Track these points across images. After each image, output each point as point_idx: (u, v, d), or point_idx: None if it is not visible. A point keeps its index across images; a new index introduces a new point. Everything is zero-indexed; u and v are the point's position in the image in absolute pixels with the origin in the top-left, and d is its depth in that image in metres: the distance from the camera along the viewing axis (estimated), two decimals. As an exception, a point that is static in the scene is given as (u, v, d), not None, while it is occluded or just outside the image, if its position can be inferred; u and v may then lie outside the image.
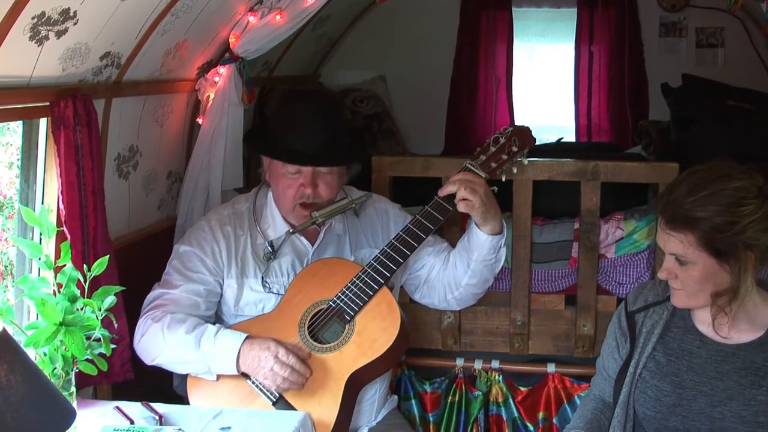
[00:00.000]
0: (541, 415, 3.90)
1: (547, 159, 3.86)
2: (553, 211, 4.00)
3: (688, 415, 2.63)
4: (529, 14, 6.62)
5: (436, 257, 3.46)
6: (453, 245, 3.48)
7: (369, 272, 3.13)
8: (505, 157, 3.31)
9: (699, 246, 2.49)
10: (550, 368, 3.88)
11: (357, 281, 3.12)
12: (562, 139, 5.70)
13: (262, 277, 3.26)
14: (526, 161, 3.39)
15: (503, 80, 6.57)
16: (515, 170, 3.40)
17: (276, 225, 3.33)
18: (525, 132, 3.39)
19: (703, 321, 2.69)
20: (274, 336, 3.06)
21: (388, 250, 3.17)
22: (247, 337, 3.03)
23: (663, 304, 2.78)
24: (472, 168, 3.24)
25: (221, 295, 3.29)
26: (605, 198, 3.76)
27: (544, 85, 6.82)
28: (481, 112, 6.62)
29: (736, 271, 2.49)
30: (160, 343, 3.07)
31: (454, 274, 3.40)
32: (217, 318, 3.32)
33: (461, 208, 3.20)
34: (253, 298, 3.26)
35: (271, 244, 3.29)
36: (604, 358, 2.94)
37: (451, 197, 3.22)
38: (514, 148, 3.33)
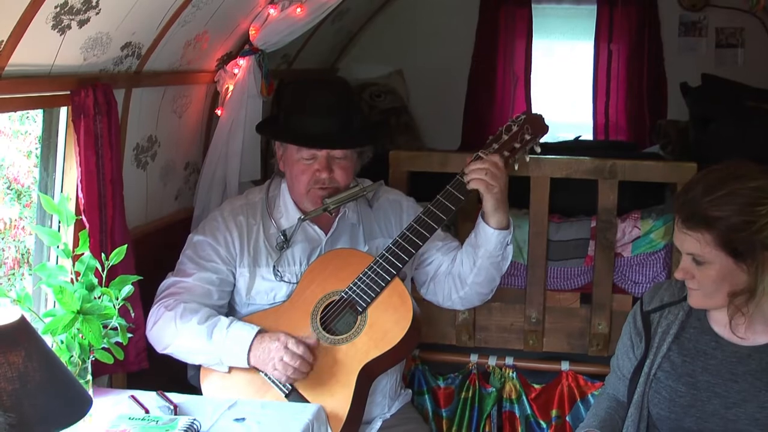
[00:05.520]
0: (554, 412, 3.90)
1: (565, 157, 3.86)
2: (570, 208, 4.00)
3: (703, 416, 2.62)
4: (549, 11, 6.60)
5: (445, 255, 3.44)
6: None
7: (381, 263, 3.13)
8: (517, 145, 3.25)
9: (716, 245, 2.49)
10: (564, 366, 3.88)
11: (369, 272, 3.13)
12: (579, 137, 5.68)
13: (274, 266, 3.27)
14: (538, 149, 3.35)
15: (521, 77, 6.56)
16: (528, 159, 3.34)
17: (289, 214, 3.34)
18: (538, 119, 3.33)
19: (719, 322, 2.68)
20: (286, 327, 3.08)
21: (400, 240, 3.17)
22: (259, 331, 3.05)
23: (679, 304, 2.77)
24: (483, 156, 3.20)
25: (234, 284, 3.30)
26: (622, 197, 3.76)
27: (563, 82, 6.80)
28: (499, 108, 6.60)
29: (753, 271, 2.48)
30: (172, 332, 3.09)
31: (460, 271, 3.37)
32: (229, 307, 3.34)
33: (478, 185, 3.16)
34: (264, 286, 3.27)
35: (283, 233, 3.30)
36: (618, 357, 2.94)
37: (463, 187, 3.21)
38: (527, 136, 3.27)
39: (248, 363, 3.04)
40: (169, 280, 3.25)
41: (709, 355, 2.67)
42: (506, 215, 3.25)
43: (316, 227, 3.35)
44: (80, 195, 3.03)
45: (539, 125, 3.33)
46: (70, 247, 2.82)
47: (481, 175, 3.14)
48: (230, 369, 3.11)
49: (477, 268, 3.31)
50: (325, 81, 3.44)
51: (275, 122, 3.45)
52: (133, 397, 2.91)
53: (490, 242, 3.25)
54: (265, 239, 3.32)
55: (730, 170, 2.54)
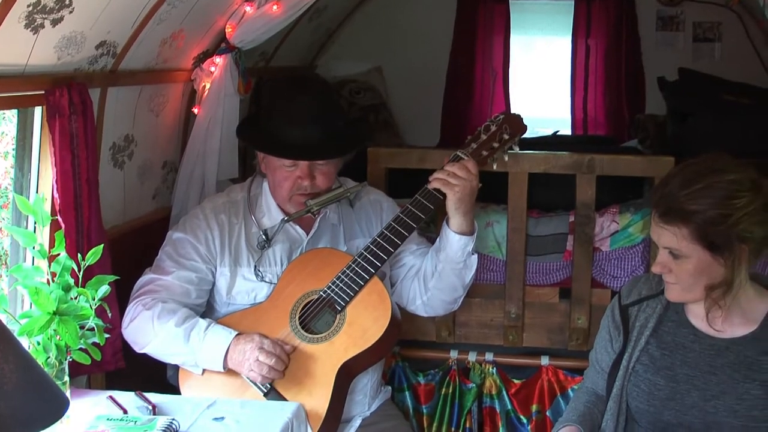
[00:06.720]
0: (534, 407, 3.91)
1: (543, 152, 3.87)
2: (548, 203, 4.00)
3: (682, 408, 2.63)
4: (527, 6, 6.62)
5: (417, 258, 3.43)
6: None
7: (360, 262, 3.12)
8: (496, 145, 3.27)
9: (693, 239, 2.50)
10: (544, 361, 3.89)
11: (348, 271, 3.12)
12: (558, 132, 5.70)
13: (255, 266, 3.26)
14: (517, 149, 3.36)
15: (500, 73, 6.57)
16: (507, 158, 3.36)
17: (271, 214, 3.33)
18: (516, 119, 3.35)
19: (696, 315, 2.69)
20: (265, 327, 3.07)
21: (379, 239, 3.16)
22: (236, 335, 3.04)
23: (657, 298, 2.78)
24: (462, 156, 3.21)
25: (213, 283, 3.29)
26: (601, 191, 3.77)
27: (541, 78, 6.83)
28: (478, 104, 6.62)
29: (730, 264, 2.50)
30: (149, 332, 3.08)
31: (424, 274, 3.36)
32: (208, 306, 3.33)
33: (438, 185, 3.16)
34: (245, 286, 3.26)
35: (265, 232, 3.29)
36: (597, 351, 2.94)
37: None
38: (505, 136, 3.28)
39: (224, 368, 3.04)
40: (147, 276, 3.23)
41: (688, 348, 2.68)
42: (470, 221, 3.23)
43: (297, 227, 3.34)
44: (56, 195, 3.00)
45: (518, 125, 3.34)
46: (46, 247, 2.80)
47: (442, 175, 3.16)
48: (204, 370, 3.10)
49: (438, 272, 3.30)
50: (305, 84, 3.40)
51: (256, 127, 3.39)
52: (111, 397, 2.89)
53: (451, 247, 3.23)
54: (247, 239, 3.30)
55: (707, 164, 2.55)
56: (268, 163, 3.28)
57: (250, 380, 3.04)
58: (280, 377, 3.01)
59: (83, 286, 2.74)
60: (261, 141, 3.29)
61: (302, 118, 3.20)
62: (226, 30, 3.99)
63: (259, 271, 3.25)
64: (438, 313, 3.54)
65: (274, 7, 3.92)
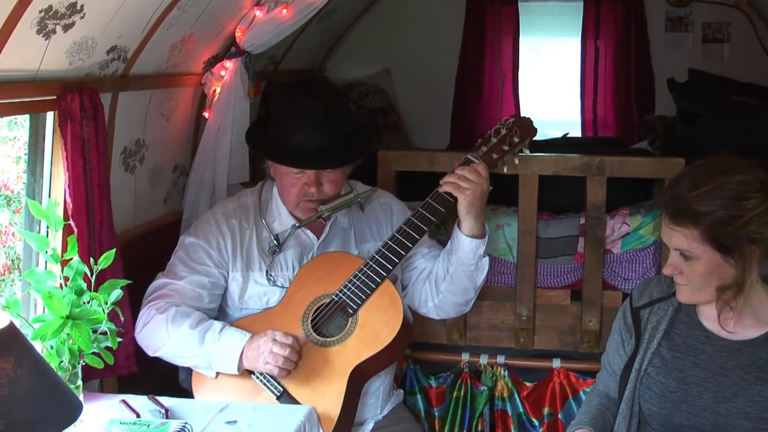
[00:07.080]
0: (546, 410, 3.89)
1: (553, 154, 3.86)
2: (558, 205, 4.00)
3: (693, 410, 2.63)
4: (535, 8, 6.63)
5: (428, 261, 3.44)
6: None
7: (371, 265, 3.13)
8: (506, 148, 3.29)
9: (703, 240, 2.49)
10: (556, 363, 3.88)
11: (359, 275, 3.12)
12: (567, 134, 5.69)
13: (267, 271, 3.26)
14: (527, 152, 3.37)
15: (509, 75, 6.58)
16: (517, 161, 3.37)
17: (282, 218, 3.32)
18: (526, 122, 3.37)
19: (708, 317, 2.69)
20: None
21: (391, 243, 3.16)
22: (250, 337, 3.05)
23: (668, 300, 2.78)
24: (472, 159, 3.23)
25: (226, 288, 3.29)
26: (611, 193, 3.76)
27: (550, 79, 6.82)
28: (487, 106, 6.63)
29: (741, 265, 2.49)
30: (163, 335, 3.08)
31: (436, 277, 3.37)
32: (221, 311, 3.33)
33: (449, 188, 3.18)
34: (257, 291, 3.26)
35: (276, 237, 3.29)
36: (609, 353, 2.94)
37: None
38: (516, 139, 3.30)
39: (239, 369, 3.04)
40: (160, 281, 3.23)
41: (699, 350, 2.68)
42: (480, 224, 3.24)
43: (308, 232, 3.34)
44: (68, 200, 3.02)
45: (528, 128, 3.35)
46: (59, 252, 2.81)
47: (453, 179, 3.18)
48: (217, 374, 3.11)
49: (450, 275, 3.31)
50: (312, 89, 3.38)
51: (263, 132, 3.38)
52: (124, 401, 2.90)
53: (463, 250, 3.24)
54: (258, 244, 3.30)
55: (716, 165, 2.55)
56: (276, 168, 3.27)
57: (263, 383, 3.05)
58: (294, 368, 3.01)
59: (96, 291, 2.74)
60: (267, 147, 3.28)
61: (309, 125, 3.19)
62: (236, 34, 4.01)
63: (270, 275, 3.25)
64: (450, 315, 3.55)
65: (284, 10, 3.93)
